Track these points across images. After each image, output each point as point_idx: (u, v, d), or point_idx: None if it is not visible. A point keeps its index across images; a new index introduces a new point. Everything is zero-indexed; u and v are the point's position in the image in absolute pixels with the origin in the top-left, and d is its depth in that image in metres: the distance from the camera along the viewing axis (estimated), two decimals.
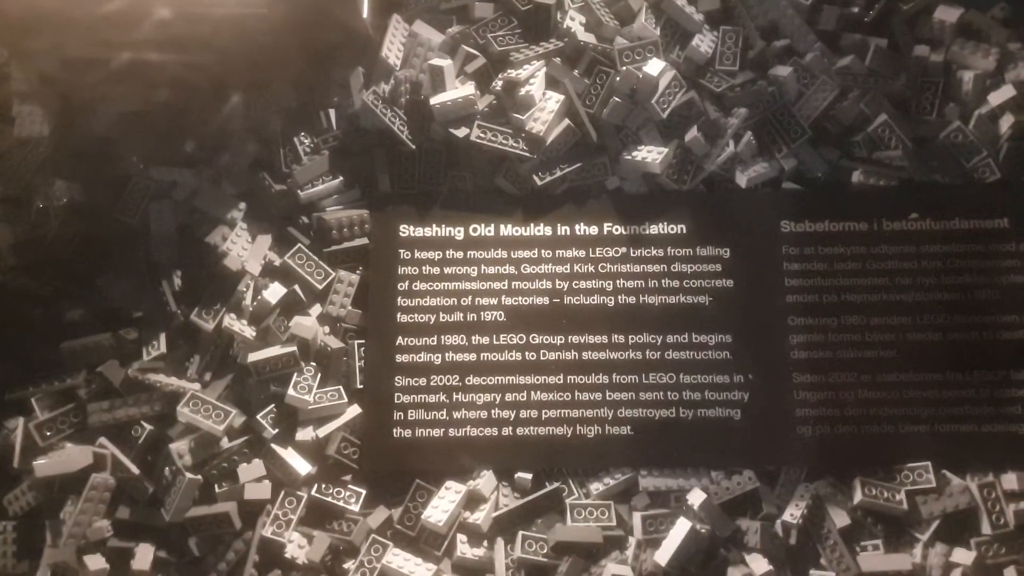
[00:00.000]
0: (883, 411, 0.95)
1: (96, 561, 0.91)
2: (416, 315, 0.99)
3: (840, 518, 0.91)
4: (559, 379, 0.97)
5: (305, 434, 0.95)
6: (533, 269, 1.00)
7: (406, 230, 1.01)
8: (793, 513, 0.91)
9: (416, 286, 1.00)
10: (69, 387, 0.98)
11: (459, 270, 1.00)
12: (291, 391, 0.95)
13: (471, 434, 0.96)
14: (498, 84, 1.02)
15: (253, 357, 0.96)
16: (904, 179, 1.01)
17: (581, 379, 0.96)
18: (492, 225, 1.01)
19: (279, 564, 0.92)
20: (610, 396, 0.96)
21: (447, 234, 1.01)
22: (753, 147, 1.01)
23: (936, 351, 0.96)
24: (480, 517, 0.92)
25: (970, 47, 1.03)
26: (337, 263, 1.01)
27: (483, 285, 0.99)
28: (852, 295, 0.98)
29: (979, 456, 0.93)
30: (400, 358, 0.98)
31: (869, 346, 0.96)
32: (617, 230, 1.01)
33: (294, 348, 0.96)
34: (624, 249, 1.00)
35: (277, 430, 0.96)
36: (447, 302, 0.99)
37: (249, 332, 0.98)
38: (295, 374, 0.96)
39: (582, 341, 0.97)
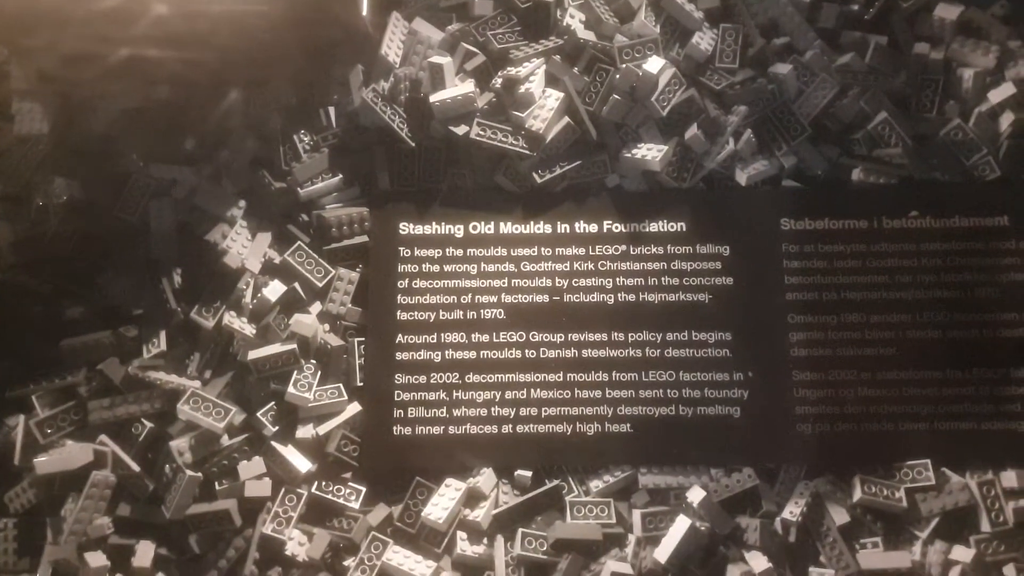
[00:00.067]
0: (883, 409, 0.95)
1: (97, 558, 0.92)
2: (416, 313, 0.99)
3: (840, 516, 0.91)
4: (559, 377, 0.97)
5: (305, 432, 0.95)
6: (533, 267, 1.00)
7: (406, 228, 1.01)
8: (793, 511, 0.91)
9: (416, 284, 1.00)
10: (69, 385, 0.98)
11: (459, 268, 1.00)
12: (291, 389, 0.95)
13: (471, 432, 0.96)
14: (498, 82, 1.02)
15: (253, 355, 0.96)
16: (904, 177, 1.01)
17: (581, 377, 0.97)
18: (492, 223, 1.01)
19: (279, 561, 0.93)
20: (610, 394, 0.96)
21: (447, 232, 1.01)
22: (753, 145, 1.01)
23: (936, 349, 0.96)
24: (480, 514, 0.92)
25: (970, 45, 1.03)
26: (337, 261, 1.01)
27: (483, 283, 0.99)
28: (852, 293, 0.98)
29: (978, 454, 0.94)
30: (400, 356, 0.98)
31: (869, 344, 0.97)
32: (617, 228, 1.01)
33: (294, 346, 0.96)
34: (624, 247, 1.00)
35: (277, 428, 0.96)
36: (447, 300, 0.99)
37: (249, 330, 0.98)
38: (295, 372, 0.96)
39: (582, 339, 0.98)
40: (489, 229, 1.01)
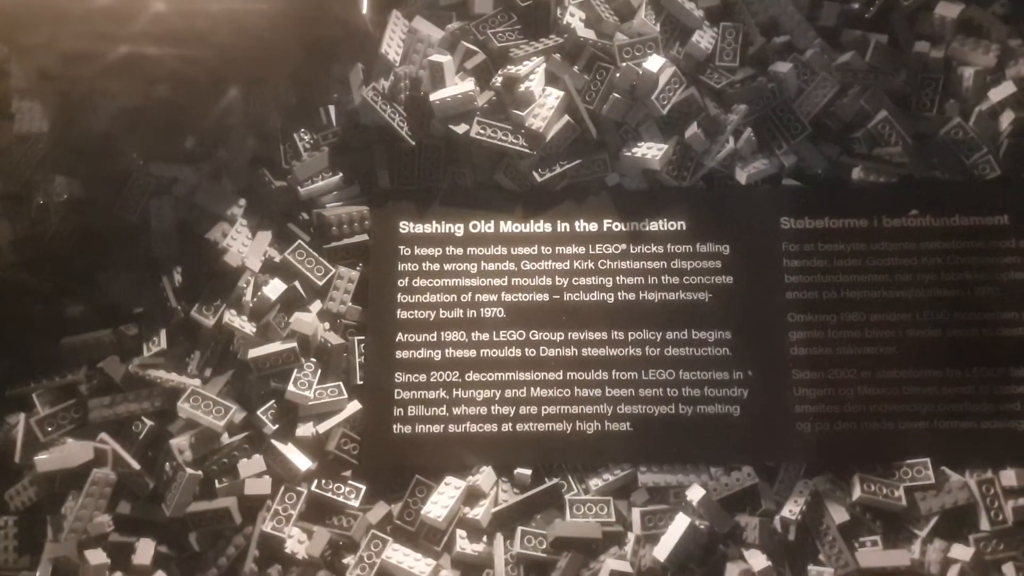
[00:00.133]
0: (882, 407, 0.95)
1: (97, 556, 0.92)
2: (416, 311, 0.99)
3: (839, 514, 0.91)
4: (559, 375, 0.97)
5: (305, 430, 0.95)
6: (533, 265, 1.00)
7: (406, 226, 1.01)
8: (792, 509, 0.91)
9: (416, 282, 1.00)
10: (70, 383, 0.98)
11: (459, 266, 1.00)
12: (291, 387, 0.95)
13: (471, 430, 0.96)
14: (498, 80, 1.02)
15: (253, 353, 0.96)
16: (904, 176, 1.01)
17: (581, 375, 0.97)
18: (492, 221, 1.01)
19: (279, 559, 0.93)
20: (609, 392, 0.96)
21: (447, 230, 1.01)
22: (753, 143, 1.01)
23: (935, 348, 0.96)
24: (480, 513, 0.92)
25: (970, 43, 1.03)
26: (337, 259, 1.01)
27: (483, 281, 0.99)
28: (852, 292, 0.98)
29: (978, 452, 0.94)
30: (400, 354, 0.98)
31: (868, 343, 0.97)
32: (617, 226, 1.01)
33: (294, 344, 0.96)
34: (624, 246, 1.00)
35: (277, 426, 0.96)
36: (447, 298, 0.99)
37: (249, 328, 0.98)
38: (295, 370, 0.96)
39: (582, 337, 0.98)
40: (489, 228, 1.01)
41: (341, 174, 1.03)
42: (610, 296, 0.99)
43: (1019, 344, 0.96)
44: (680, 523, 0.90)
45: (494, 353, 0.97)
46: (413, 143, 1.02)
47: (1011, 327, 0.97)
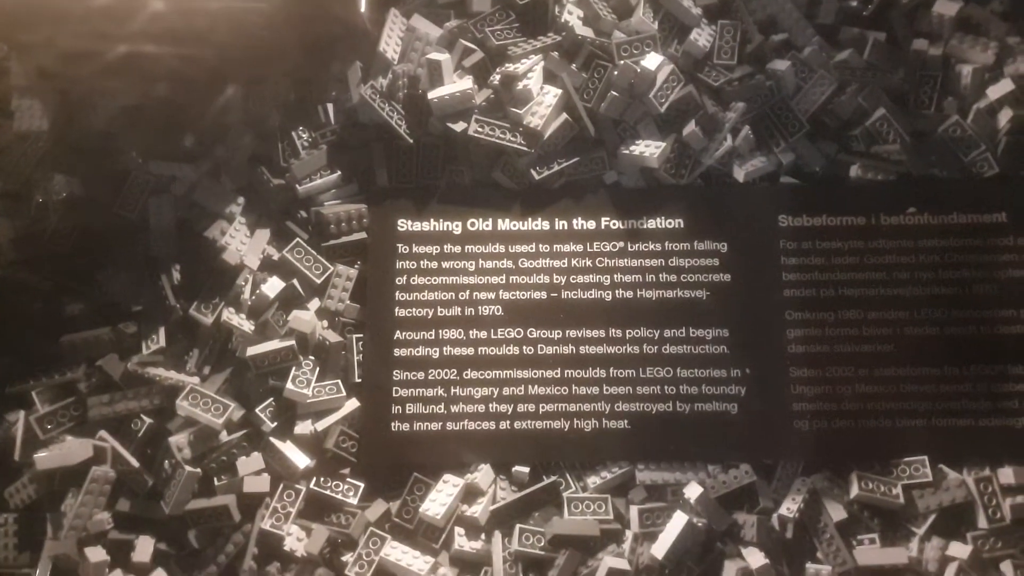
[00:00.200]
0: (880, 405, 0.95)
1: (96, 553, 0.92)
2: (414, 309, 0.99)
3: (836, 512, 0.91)
4: (556, 373, 0.97)
5: (304, 428, 0.96)
6: (531, 263, 1.00)
7: (404, 224, 1.02)
8: (790, 507, 0.91)
9: (414, 280, 1.00)
10: (69, 381, 0.98)
11: (457, 264, 1.00)
12: (290, 385, 0.95)
13: (469, 428, 0.96)
14: (496, 78, 1.02)
15: (252, 351, 0.96)
16: (902, 173, 1.01)
17: (578, 373, 0.97)
18: (490, 219, 1.01)
19: (278, 556, 0.93)
20: (607, 390, 0.96)
21: (445, 228, 1.01)
22: (751, 141, 1.01)
23: (933, 345, 0.96)
24: (478, 510, 0.93)
25: (969, 41, 1.03)
26: (335, 257, 1.01)
27: (481, 279, 1.00)
28: (849, 289, 0.98)
29: (976, 450, 0.94)
30: (398, 352, 0.98)
31: (866, 340, 0.97)
32: (615, 224, 1.01)
33: (292, 342, 0.96)
34: (621, 243, 1.00)
35: (276, 423, 0.96)
36: (445, 296, 0.99)
37: (248, 326, 0.98)
38: (293, 368, 0.96)
39: (579, 335, 0.98)
40: (487, 226, 1.01)
41: (339, 172, 1.03)
42: (608, 294, 0.99)
43: (1017, 342, 0.96)
44: (678, 521, 0.90)
45: (492, 351, 0.98)
46: (411, 141, 1.03)
47: (1009, 325, 0.97)
